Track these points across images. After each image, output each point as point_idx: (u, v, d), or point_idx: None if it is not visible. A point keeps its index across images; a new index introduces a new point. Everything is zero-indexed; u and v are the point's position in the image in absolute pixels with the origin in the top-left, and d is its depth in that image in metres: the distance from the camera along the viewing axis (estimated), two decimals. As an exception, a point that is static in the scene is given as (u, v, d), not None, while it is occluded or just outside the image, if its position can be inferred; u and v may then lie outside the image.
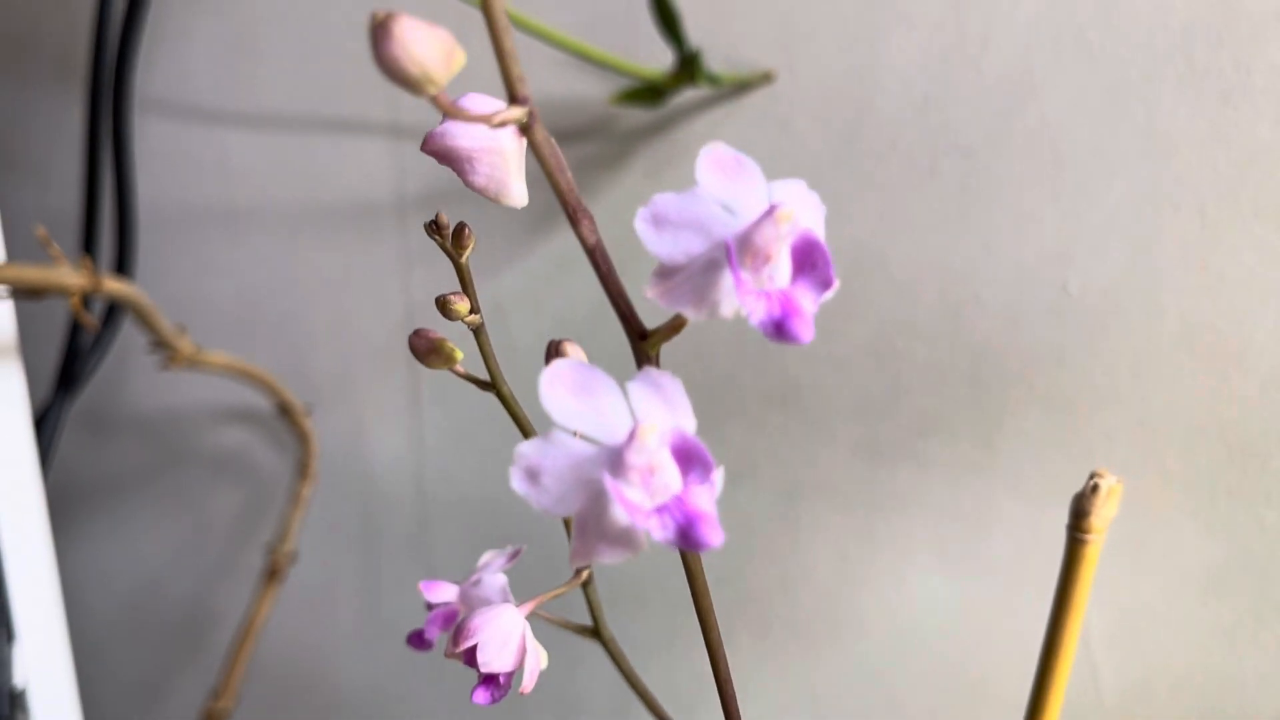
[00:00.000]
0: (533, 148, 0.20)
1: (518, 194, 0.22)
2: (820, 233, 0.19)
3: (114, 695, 0.85)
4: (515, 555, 0.31)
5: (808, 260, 0.19)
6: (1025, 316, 0.54)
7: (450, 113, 0.19)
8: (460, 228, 0.25)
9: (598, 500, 0.20)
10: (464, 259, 0.26)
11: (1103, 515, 0.29)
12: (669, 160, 0.59)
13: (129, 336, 0.74)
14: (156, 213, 0.74)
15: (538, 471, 0.19)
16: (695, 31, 0.55)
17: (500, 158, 0.21)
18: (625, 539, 0.19)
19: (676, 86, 0.55)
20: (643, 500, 0.19)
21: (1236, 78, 0.48)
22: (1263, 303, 0.50)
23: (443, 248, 0.25)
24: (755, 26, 0.56)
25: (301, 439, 0.70)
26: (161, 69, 0.73)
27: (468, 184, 0.21)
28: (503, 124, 0.19)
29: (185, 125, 0.73)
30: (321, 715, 0.79)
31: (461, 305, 0.26)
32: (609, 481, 0.19)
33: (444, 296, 0.26)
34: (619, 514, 0.19)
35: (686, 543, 0.19)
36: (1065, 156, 0.52)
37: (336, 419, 0.73)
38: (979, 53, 0.52)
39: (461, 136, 0.21)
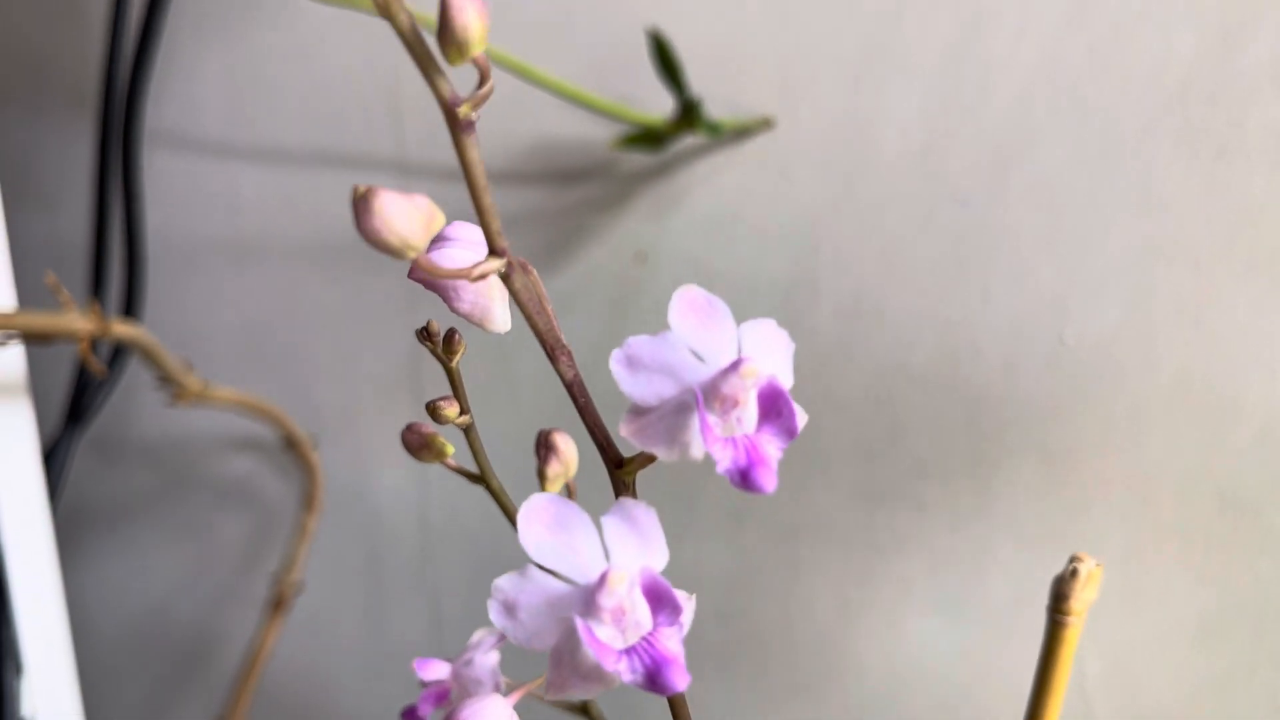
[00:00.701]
0: (512, 294, 0.20)
1: (501, 321, 0.22)
2: (787, 378, 0.20)
3: (122, 718, 0.86)
4: (504, 638, 0.31)
5: (773, 408, 0.19)
6: (1022, 366, 0.54)
7: (431, 274, 0.20)
8: (450, 334, 0.25)
9: (571, 637, 0.20)
10: (454, 364, 0.26)
11: (1082, 598, 0.29)
12: (670, 203, 0.60)
13: (138, 365, 0.75)
14: (165, 244, 0.75)
15: (514, 606, 0.20)
16: (696, 77, 0.56)
17: (484, 287, 0.22)
18: (597, 676, 0.20)
19: (677, 133, 0.56)
20: (614, 639, 0.20)
21: (1231, 134, 0.49)
22: (1256, 356, 0.50)
23: (434, 354, 0.26)
24: (756, 73, 0.57)
25: (308, 471, 0.71)
26: (171, 102, 0.74)
27: (453, 310, 0.22)
28: (481, 277, 0.20)
29: (194, 158, 0.74)
30: (326, 742, 0.80)
31: (451, 410, 0.27)
32: (580, 623, 0.20)
33: (434, 402, 0.27)
34: (590, 654, 0.20)
35: (654, 687, 0.19)
36: (1062, 208, 0.52)
37: (341, 451, 0.74)
38: (976, 104, 0.53)
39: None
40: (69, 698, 0.62)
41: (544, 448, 0.29)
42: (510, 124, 0.62)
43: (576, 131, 0.61)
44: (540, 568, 0.20)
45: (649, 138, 0.57)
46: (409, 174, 0.67)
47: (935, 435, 0.57)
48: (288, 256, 0.73)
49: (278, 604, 0.71)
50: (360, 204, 0.19)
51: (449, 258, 0.21)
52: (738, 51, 0.57)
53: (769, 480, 0.19)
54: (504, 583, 0.20)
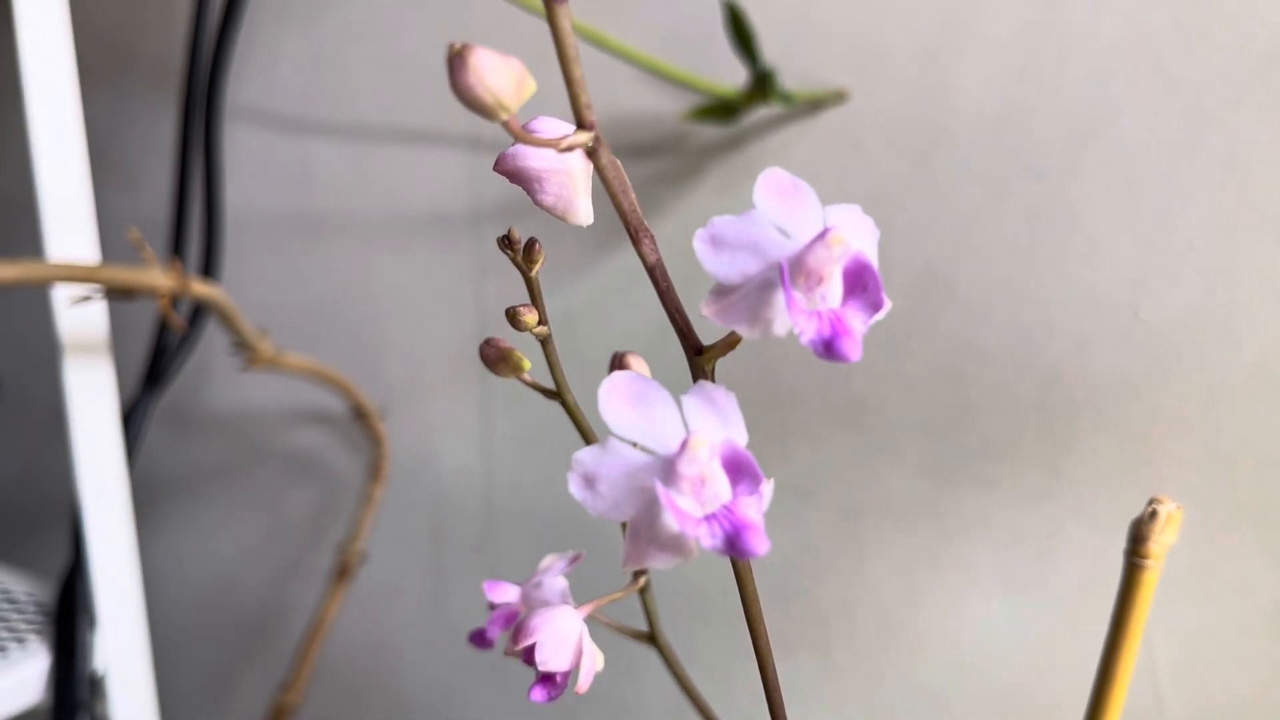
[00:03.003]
0: (598, 170, 0.21)
1: (584, 212, 0.23)
2: (873, 256, 0.20)
3: (186, 684, 0.87)
4: (575, 560, 0.32)
5: (859, 283, 0.19)
6: (1096, 342, 0.53)
7: (520, 137, 0.20)
8: (531, 243, 0.26)
9: (650, 507, 0.21)
10: (534, 273, 0.27)
11: (1161, 541, 0.29)
12: (740, 177, 0.60)
13: (210, 339, 0.77)
14: (241, 218, 0.77)
15: (594, 478, 0.20)
16: (770, 50, 0.56)
17: (568, 178, 0.22)
18: (676, 545, 0.20)
19: (750, 104, 0.56)
20: (693, 509, 0.20)
21: (1320, 105, 0.48)
22: (1342, 334, 0.49)
23: (514, 261, 0.26)
24: (829, 45, 0.57)
25: (375, 441, 0.72)
26: (250, 80, 0.75)
27: (537, 202, 0.22)
28: (570, 148, 0.20)
29: (271, 134, 0.76)
30: (385, 712, 0.81)
31: (530, 317, 0.27)
32: (661, 490, 0.20)
33: (514, 308, 0.27)
34: (670, 521, 0.20)
35: (733, 550, 0.20)
36: (1140, 182, 0.51)
37: (407, 426, 0.75)
38: (1055, 75, 0.52)
39: (531, 158, 0.22)
40: (140, 653, 0.63)
41: (618, 368, 0.29)
42: (598, 103, 0.63)
43: (648, 104, 0.61)
44: (621, 440, 0.20)
45: (722, 109, 0.57)
46: (481, 149, 0.68)
47: (1005, 414, 0.56)
48: (359, 232, 0.74)
49: (342, 573, 0.71)
50: (456, 60, 0.19)
51: (539, 127, 0.21)
52: (812, 22, 0.57)
53: (854, 349, 0.19)
54: (584, 455, 0.21)
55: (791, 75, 0.57)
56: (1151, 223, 0.51)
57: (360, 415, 0.72)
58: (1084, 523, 0.55)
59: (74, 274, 0.51)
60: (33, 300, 0.87)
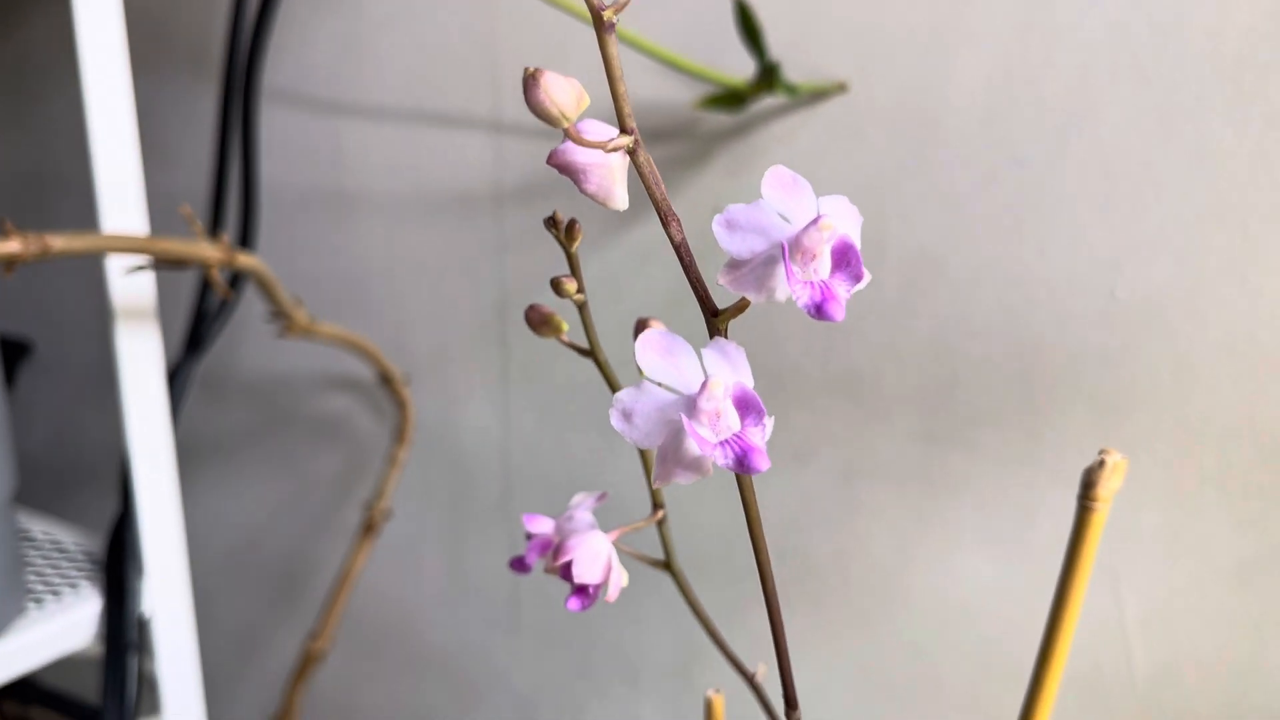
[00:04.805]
0: (636, 168, 0.25)
1: (620, 199, 0.27)
2: (856, 238, 0.25)
3: (221, 633, 0.92)
4: (601, 498, 0.36)
5: (844, 259, 0.24)
6: (1074, 319, 0.58)
7: (576, 140, 0.25)
8: (572, 223, 0.30)
9: (676, 436, 0.26)
10: (574, 249, 0.31)
11: (1108, 486, 0.33)
12: (747, 161, 0.64)
13: (244, 308, 0.81)
14: (274, 195, 0.81)
15: (631, 412, 0.26)
16: (776, 44, 0.60)
17: (609, 171, 0.27)
18: (696, 465, 0.26)
19: (757, 94, 0.60)
20: (710, 436, 0.25)
21: (1281, 103, 0.52)
22: (1299, 314, 0.53)
23: (557, 239, 0.31)
24: (832, 40, 0.61)
25: (400, 405, 0.77)
26: (285, 63, 0.80)
27: (582, 190, 0.27)
28: (615, 149, 0.25)
29: (304, 115, 0.80)
30: (407, 663, 0.86)
31: (570, 285, 0.32)
32: (685, 421, 0.25)
33: (557, 278, 0.32)
34: (692, 446, 0.26)
35: (741, 467, 0.25)
36: (1117, 171, 0.56)
37: (430, 394, 0.79)
38: (1040, 72, 0.56)
39: (579, 154, 0.27)
40: (183, 598, 0.68)
41: (643, 330, 0.34)
42: (601, 86, 0.67)
43: (661, 93, 0.65)
44: (653, 383, 0.25)
45: (730, 98, 0.61)
46: (503, 132, 0.72)
47: (990, 385, 0.61)
48: (387, 209, 0.78)
49: (368, 528, 0.76)
50: (530, 81, 0.24)
51: (587, 130, 0.26)
52: (816, 18, 0.61)
53: (839, 311, 0.24)
54: (623, 395, 0.26)
55: (796, 68, 0.61)
56: (1127, 209, 0.56)
57: (386, 381, 0.76)
58: (1061, 485, 0.60)
59: (133, 245, 0.56)
60: (64, 272, 0.92)
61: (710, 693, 0.39)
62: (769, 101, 0.62)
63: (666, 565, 0.38)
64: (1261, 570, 0.57)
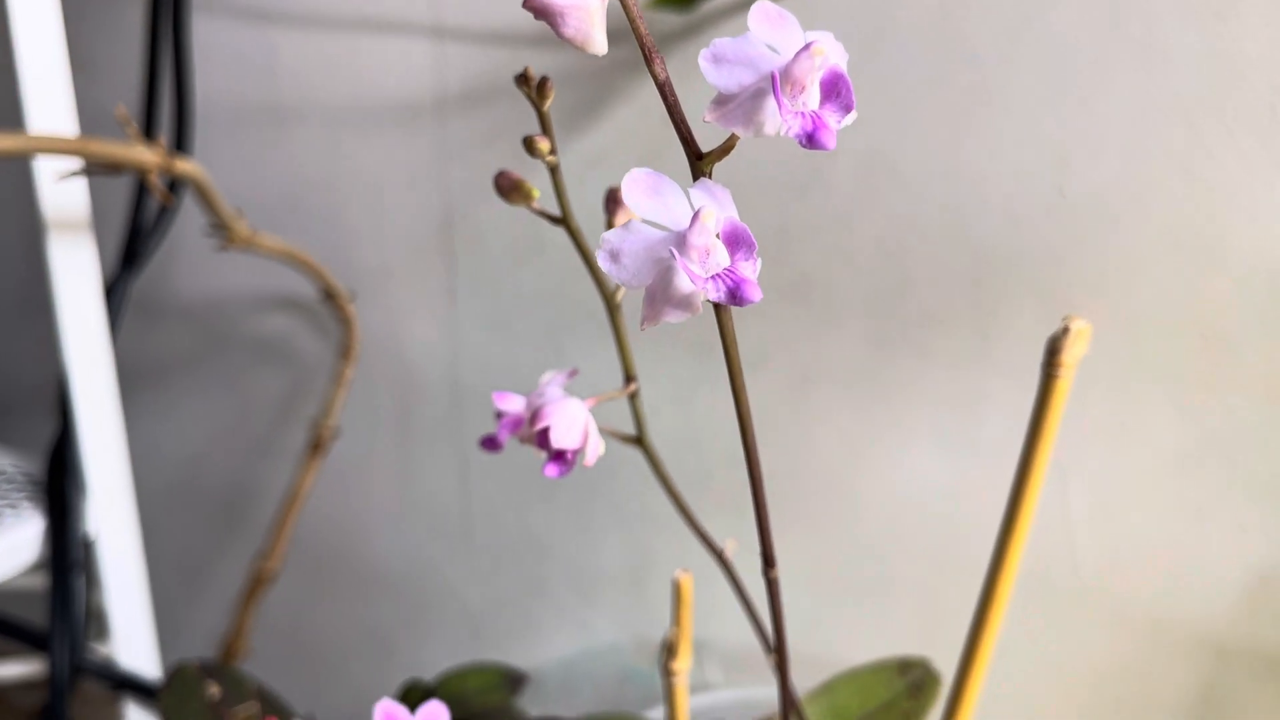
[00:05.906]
0: (621, 2, 0.25)
1: (599, 43, 0.27)
2: (844, 68, 0.24)
3: (164, 562, 0.91)
4: (572, 374, 0.36)
5: (834, 89, 0.24)
6: (1023, 217, 0.58)
7: None
8: (543, 80, 0.29)
9: (665, 274, 0.25)
10: (545, 108, 0.30)
11: (1072, 353, 0.34)
12: (696, 64, 0.63)
13: (179, 227, 0.79)
14: (207, 108, 0.78)
15: (619, 253, 0.25)
16: (726, -58, 0.59)
17: (587, 14, 0.26)
18: (686, 302, 0.25)
19: (707, -6, 0.59)
20: (701, 271, 0.25)
21: (1227, -5, 0.52)
22: (1241, 207, 0.54)
23: (528, 97, 0.30)
24: (782, -61, 0.60)
25: (345, 322, 0.75)
26: (214, -30, 0.77)
27: (559, 34, 0.26)
28: None
29: (236, 24, 0.77)
30: (358, 583, 0.85)
31: (544, 144, 0.31)
32: (676, 257, 0.24)
33: (529, 137, 0.31)
34: (683, 282, 0.25)
35: (734, 300, 0.25)
36: (1066, 67, 0.56)
37: (375, 311, 0.78)
38: (991, -33, 0.56)
39: (556, -2, 0.26)
40: (128, 518, 0.67)
41: (611, 202, 0.33)
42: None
43: (610, -6, 0.64)
44: (642, 221, 0.25)
45: (680, -2, 0.60)
46: (444, 37, 0.70)
47: (941, 286, 0.61)
48: (325, 121, 0.76)
49: (316, 446, 0.75)
50: None
51: None
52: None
53: (830, 140, 0.24)
54: (610, 235, 0.25)
55: (747, -35, 0.60)
56: (1075, 106, 0.56)
57: (330, 297, 0.75)
58: (1009, 381, 0.61)
59: (65, 146, 0.53)
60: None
61: (679, 573, 0.39)
62: (718, 1, 0.61)
63: (638, 440, 0.38)
64: (1201, 458, 0.58)
